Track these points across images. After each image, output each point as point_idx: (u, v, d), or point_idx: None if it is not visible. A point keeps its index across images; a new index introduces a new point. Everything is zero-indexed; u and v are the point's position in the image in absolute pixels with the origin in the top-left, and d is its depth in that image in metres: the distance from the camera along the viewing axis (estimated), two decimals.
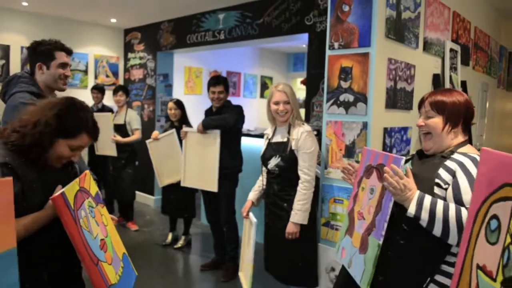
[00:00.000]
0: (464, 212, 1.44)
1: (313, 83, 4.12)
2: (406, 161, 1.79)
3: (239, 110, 3.72)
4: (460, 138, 1.66)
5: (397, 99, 2.73)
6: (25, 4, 5.45)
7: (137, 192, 5.55)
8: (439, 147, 1.66)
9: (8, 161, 1.36)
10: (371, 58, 2.47)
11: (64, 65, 2.21)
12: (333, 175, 2.66)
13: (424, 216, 1.49)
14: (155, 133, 4.54)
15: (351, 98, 2.56)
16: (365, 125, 2.51)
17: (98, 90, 5.69)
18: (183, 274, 4.03)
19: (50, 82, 2.17)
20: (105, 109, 5.61)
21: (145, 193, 6.48)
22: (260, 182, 2.88)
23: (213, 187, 3.69)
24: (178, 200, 4.45)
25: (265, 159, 2.76)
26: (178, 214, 4.63)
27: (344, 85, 2.59)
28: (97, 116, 5.04)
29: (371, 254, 1.58)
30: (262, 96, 9.07)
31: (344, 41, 2.58)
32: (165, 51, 6.34)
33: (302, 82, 4.59)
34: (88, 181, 1.63)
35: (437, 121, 1.65)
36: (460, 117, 1.65)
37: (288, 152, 2.61)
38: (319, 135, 3.29)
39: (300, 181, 2.58)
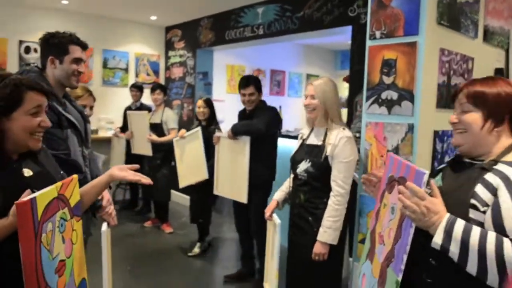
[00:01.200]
0: (507, 244, 1.09)
1: (356, 80, 3.74)
2: (437, 173, 1.42)
3: (271, 113, 3.41)
4: (506, 140, 1.29)
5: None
6: (65, 2, 5.45)
7: (174, 192, 5.41)
8: (475, 148, 1.30)
9: None
10: (419, 48, 2.09)
11: (78, 61, 2.04)
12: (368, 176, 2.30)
13: (454, 248, 1.14)
14: (182, 131, 4.35)
15: (394, 95, 2.19)
16: (411, 128, 2.13)
17: (137, 88, 5.63)
18: (205, 285, 3.78)
19: (62, 78, 2.00)
20: (143, 107, 5.53)
21: (183, 193, 6.33)
22: (288, 183, 2.55)
23: (243, 198, 3.42)
24: (196, 203, 4.26)
25: (294, 161, 2.43)
26: (193, 218, 4.42)
27: (387, 80, 2.23)
28: (134, 114, 4.96)
29: None
30: None
31: (387, 29, 2.21)
32: (204, 49, 6.15)
33: (345, 80, 4.22)
34: (71, 188, 1.41)
35: (475, 117, 1.29)
36: (506, 112, 1.28)
37: (321, 158, 2.27)
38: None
39: (332, 193, 2.23)
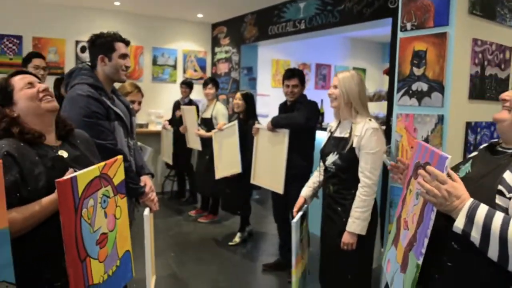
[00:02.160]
0: None
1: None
2: (468, 160, 1.43)
3: (311, 107, 3.48)
4: None
5: (486, 88, 2.29)
6: (117, 3, 5.77)
7: None
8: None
9: (5, 147, 1.34)
10: (450, 39, 2.07)
11: (124, 56, 2.22)
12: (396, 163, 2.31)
13: (475, 232, 1.15)
14: (220, 123, 4.46)
15: (424, 87, 2.19)
16: (440, 119, 2.13)
17: (187, 85, 5.82)
18: (244, 273, 3.91)
19: (112, 74, 2.18)
20: (191, 103, 5.71)
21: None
22: (316, 178, 2.60)
23: (279, 188, 3.51)
24: (233, 195, 4.35)
25: (323, 154, 2.48)
26: (232, 210, 4.52)
27: (417, 72, 2.23)
28: (183, 109, 5.09)
29: (410, 276, 1.28)
30: None
31: (417, 20, 2.21)
32: (249, 44, 6.28)
33: (385, 72, 4.18)
34: (115, 168, 1.54)
35: None
36: None
37: (347, 150, 2.30)
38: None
39: (360, 185, 2.26)
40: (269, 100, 7.35)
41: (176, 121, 5.73)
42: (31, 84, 1.51)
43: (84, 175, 1.32)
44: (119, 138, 2.18)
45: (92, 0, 5.66)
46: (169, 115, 6.27)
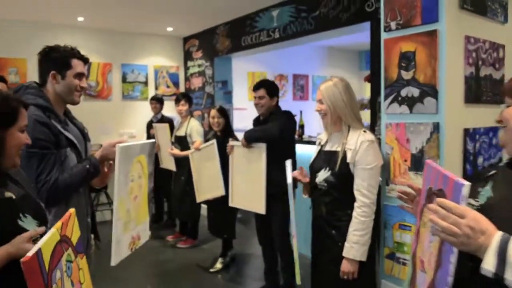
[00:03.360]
0: None
1: (377, 79, 3.49)
2: (486, 180, 1.17)
3: (285, 118, 3.23)
4: None
5: (482, 90, 2.06)
6: (80, 19, 5.46)
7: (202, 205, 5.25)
8: None
9: None
10: (441, 36, 1.85)
11: (81, 76, 1.92)
12: (405, 189, 2.05)
13: (511, 274, 0.90)
14: (197, 143, 4.18)
15: (415, 92, 1.96)
16: (436, 127, 1.88)
17: (157, 100, 5.55)
18: None
19: (64, 94, 1.89)
20: (164, 119, 5.43)
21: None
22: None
23: (261, 208, 3.22)
24: (217, 218, 4.06)
25: (313, 170, 2.23)
26: (217, 233, 4.25)
27: (406, 75, 1.99)
28: (155, 127, 4.77)
29: None
30: None
31: (403, 18, 1.98)
32: (222, 57, 6.03)
33: (366, 79, 3.97)
34: (72, 225, 1.31)
35: None
36: None
37: (340, 165, 2.06)
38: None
39: (356, 204, 2.01)
40: (247, 114, 7.11)
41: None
42: (25, 126, 1.39)
43: (47, 244, 1.10)
44: (71, 166, 1.88)
45: (54, 15, 5.32)
46: (143, 135, 5.94)
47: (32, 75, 5.64)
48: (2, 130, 1.29)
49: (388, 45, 2.07)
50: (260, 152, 3.19)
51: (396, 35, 2.03)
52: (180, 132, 4.77)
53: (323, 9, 4.14)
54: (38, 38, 5.61)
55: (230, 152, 3.49)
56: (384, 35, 2.09)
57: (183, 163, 4.44)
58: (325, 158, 2.16)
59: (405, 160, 2.01)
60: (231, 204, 3.57)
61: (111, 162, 1.96)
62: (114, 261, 1.74)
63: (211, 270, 4.11)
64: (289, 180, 2.11)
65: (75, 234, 1.32)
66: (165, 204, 6.07)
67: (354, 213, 2.01)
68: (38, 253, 1.04)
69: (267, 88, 3.29)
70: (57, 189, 1.74)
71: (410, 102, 1.98)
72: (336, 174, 2.07)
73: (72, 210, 1.33)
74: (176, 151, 4.63)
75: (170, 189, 5.29)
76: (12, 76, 5.44)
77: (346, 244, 2.01)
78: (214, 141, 3.87)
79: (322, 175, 2.13)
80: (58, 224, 1.20)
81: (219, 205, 3.96)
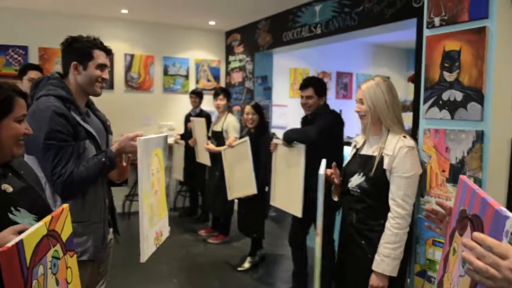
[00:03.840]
0: None
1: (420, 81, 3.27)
2: None
3: (329, 119, 3.09)
4: None
5: None
6: (124, 11, 5.52)
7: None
8: None
9: None
10: (490, 35, 1.65)
11: (103, 67, 1.90)
12: (433, 206, 1.88)
13: None
14: (230, 139, 4.10)
15: (458, 95, 1.77)
16: (480, 136, 1.69)
17: (196, 94, 5.54)
18: None
19: (86, 85, 1.87)
20: (202, 114, 5.41)
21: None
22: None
23: (297, 211, 3.09)
24: (248, 216, 3.98)
25: (346, 174, 2.08)
26: (247, 232, 4.17)
27: (449, 77, 1.81)
28: (193, 121, 4.77)
29: None
30: None
31: (448, 14, 1.80)
32: (263, 52, 5.92)
33: (410, 79, 3.74)
34: (62, 220, 1.25)
35: None
36: None
37: (376, 170, 1.91)
38: None
39: (390, 215, 1.86)
40: (287, 110, 6.98)
41: (187, 135, 5.42)
42: (24, 116, 1.33)
43: (30, 237, 1.02)
44: (87, 158, 1.85)
45: (99, 8, 5.42)
46: (181, 128, 5.97)
47: None
48: None
49: (430, 43, 1.89)
50: (299, 152, 3.09)
51: (440, 32, 1.84)
52: (217, 127, 4.72)
53: (367, 4, 3.93)
54: (84, 29, 5.68)
55: (273, 150, 3.40)
56: (426, 32, 1.91)
57: (218, 158, 4.37)
58: (360, 162, 2.02)
59: (443, 171, 1.83)
60: (272, 203, 3.49)
61: (130, 155, 1.91)
62: (143, 258, 1.70)
63: (239, 268, 4.04)
64: (321, 171, 1.99)
65: (66, 231, 1.25)
66: (199, 198, 6.08)
67: (387, 224, 1.86)
68: (19, 244, 0.96)
69: (315, 87, 3.17)
70: (72, 182, 1.71)
71: (452, 107, 1.80)
72: (370, 180, 1.93)
73: (65, 206, 1.26)
74: (212, 146, 4.58)
75: (205, 184, 5.28)
76: (58, 66, 5.60)
77: (377, 257, 1.86)
78: (247, 138, 3.79)
79: (356, 180, 1.99)
80: (48, 218, 1.13)
81: (250, 203, 3.89)
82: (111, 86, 6.02)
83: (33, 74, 3.38)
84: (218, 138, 4.63)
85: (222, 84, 6.84)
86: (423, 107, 1.93)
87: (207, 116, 5.24)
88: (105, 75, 1.90)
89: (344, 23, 4.24)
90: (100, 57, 1.87)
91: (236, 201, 4.35)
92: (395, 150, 1.86)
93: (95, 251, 1.82)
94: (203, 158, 4.86)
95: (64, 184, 1.71)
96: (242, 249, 4.58)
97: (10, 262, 0.93)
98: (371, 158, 1.95)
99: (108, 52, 1.93)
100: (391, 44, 7.75)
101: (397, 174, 1.85)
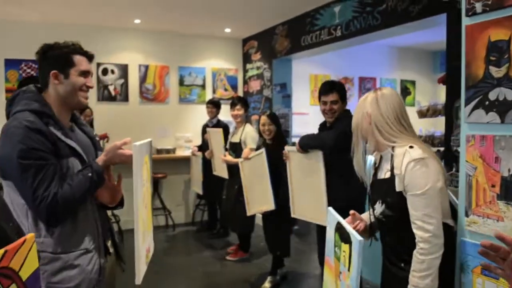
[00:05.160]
0: None
1: (455, 80, 2.93)
2: None
3: (346, 124, 2.80)
4: None
5: None
6: (137, 21, 5.37)
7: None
8: None
9: None
10: None
11: (86, 73, 1.67)
12: (480, 227, 1.56)
13: None
14: (246, 151, 3.85)
15: (509, 94, 1.47)
16: None
17: (213, 104, 5.34)
18: None
19: (69, 95, 1.64)
20: (220, 124, 5.19)
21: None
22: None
23: (323, 219, 2.84)
24: (271, 232, 3.70)
25: (370, 200, 1.85)
26: (270, 249, 3.89)
27: (497, 72, 1.50)
28: (209, 132, 4.56)
29: None
30: None
31: None
32: (281, 58, 5.67)
33: (440, 81, 3.42)
34: (23, 254, 0.99)
35: None
36: None
37: (392, 195, 1.67)
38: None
39: (416, 239, 1.59)
40: (308, 118, 6.70)
41: (205, 146, 5.20)
42: None
43: None
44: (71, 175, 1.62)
45: (111, 19, 5.30)
46: (198, 139, 5.76)
47: (93, 77, 5.66)
48: None
49: (471, 34, 1.59)
50: (317, 158, 2.87)
51: (483, 20, 1.55)
52: (235, 138, 4.51)
53: (391, 2, 3.64)
54: (97, 41, 5.61)
55: (287, 159, 3.15)
56: (465, 21, 1.61)
57: (236, 170, 4.11)
58: (377, 187, 1.80)
59: (493, 186, 1.52)
60: (293, 215, 3.23)
61: (120, 173, 1.68)
62: (138, 279, 1.46)
63: None
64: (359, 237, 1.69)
65: (28, 266, 1.00)
66: (218, 212, 5.84)
67: (414, 251, 1.60)
68: None
69: (340, 91, 2.93)
70: (57, 205, 1.48)
71: (502, 108, 1.50)
72: (391, 207, 1.69)
73: (28, 236, 1.02)
74: (229, 158, 4.36)
75: (221, 199, 5.04)
76: None
77: (408, 287, 1.60)
78: (263, 150, 3.54)
79: (378, 208, 1.76)
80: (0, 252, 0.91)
81: (274, 218, 3.63)
82: (126, 98, 5.88)
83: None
84: (236, 149, 4.40)
85: (240, 93, 6.62)
86: (464, 110, 1.63)
87: (224, 127, 5.01)
88: (90, 82, 1.68)
89: (366, 23, 3.95)
90: (82, 63, 1.65)
91: (258, 215, 4.08)
92: (402, 167, 1.61)
93: (90, 286, 1.58)
94: (220, 171, 4.64)
95: (48, 208, 1.48)
96: (262, 266, 4.30)
97: None
98: (385, 181, 1.72)
99: (90, 58, 1.71)
100: (417, 47, 7.40)
101: (410, 193, 1.59)
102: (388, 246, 1.81)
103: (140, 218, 1.44)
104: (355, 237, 1.43)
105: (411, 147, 1.63)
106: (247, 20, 5.46)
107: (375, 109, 1.72)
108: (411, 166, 1.59)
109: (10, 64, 5.28)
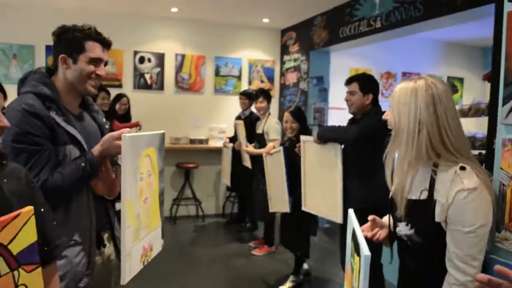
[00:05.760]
0: None
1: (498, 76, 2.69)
2: None
3: (376, 121, 2.63)
4: None
5: None
6: (174, 10, 5.35)
7: None
8: None
9: None
10: None
11: (97, 61, 1.59)
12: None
13: None
14: (269, 146, 3.75)
15: None
16: None
17: (246, 96, 5.25)
18: None
19: (76, 81, 1.58)
20: (253, 116, 5.10)
21: None
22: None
23: (337, 216, 2.76)
24: (292, 233, 3.58)
25: (391, 210, 1.52)
26: (290, 248, 3.78)
27: None
28: (235, 124, 4.56)
29: None
30: None
31: None
32: (318, 50, 5.49)
33: (485, 77, 3.15)
34: (15, 229, 0.95)
35: None
36: None
37: (428, 223, 1.36)
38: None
39: (447, 278, 1.33)
40: (346, 114, 6.48)
41: (236, 138, 5.16)
42: None
43: None
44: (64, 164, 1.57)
45: (149, 8, 5.30)
46: (231, 131, 5.71)
47: (128, 65, 5.72)
48: None
49: None
50: (335, 151, 2.73)
51: None
52: (259, 130, 4.59)
53: None
54: (135, 30, 5.67)
55: (301, 150, 3.04)
56: (508, 7, 1.42)
57: (259, 159, 4.21)
58: (407, 206, 1.43)
59: None
60: (304, 208, 3.11)
61: (117, 166, 1.61)
62: (124, 280, 1.38)
63: (280, 287, 3.65)
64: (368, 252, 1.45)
65: (21, 240, 0.95)
66: (248, 206, 5.78)
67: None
68: None
69: (360, 82, 2.77)
70: (46, 193, 1.43)
71: None
72: (422, 235, 1.40)
73: (26, 210, 0.97)
74: (250, 149, 4.47)
75: (250, 188, 4.99)
76: (109, 67, 5.54)
77: None
78: (281, 148, 3.42)
79: (403, 229, 1.47)
80: None
81: (293, 218, 3.50)
82: (161, 87, 5.90)
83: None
84: (260, 141, 4.50)
85: (276, 85, 6.49)
86: (502, 110, 1.45)
87: (256, 119, 4.93)
88: (100, 71, 1.59)
89: (408, 14, 3.70)
90: (94, 49, 1.57)
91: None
92: (449, 195, 1.30)
93: (76, 278, 1.53)
94: (246, 161, 4.72)
95: None
96: (287, 262, 4.18)
97: None
98: (419, 203, 1.39)
99: (106, 45, 1.63)
100: (465, 42, 6.96)
101: (455, 228, 1.30)
102: (409, 270, 1.54)
103: (128, 214, 1.36)
104: (363, 251, 1.19)
105: (462, 168, 1.31)
106: (285, 10, 5.31)
107: (436, 105, 1.34)
108: (462, 196, 1.28)
109: (51, 50, 5.41)
